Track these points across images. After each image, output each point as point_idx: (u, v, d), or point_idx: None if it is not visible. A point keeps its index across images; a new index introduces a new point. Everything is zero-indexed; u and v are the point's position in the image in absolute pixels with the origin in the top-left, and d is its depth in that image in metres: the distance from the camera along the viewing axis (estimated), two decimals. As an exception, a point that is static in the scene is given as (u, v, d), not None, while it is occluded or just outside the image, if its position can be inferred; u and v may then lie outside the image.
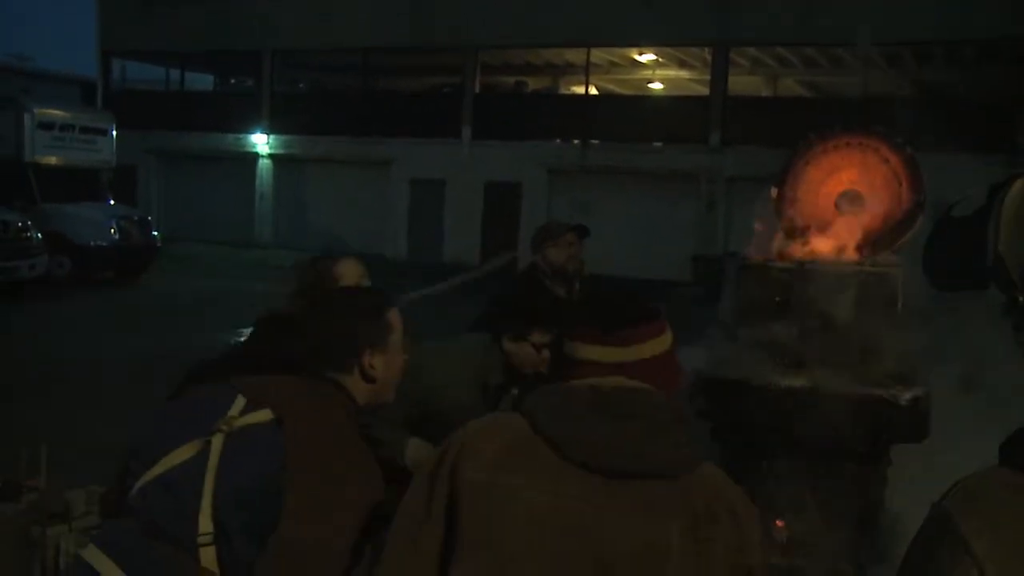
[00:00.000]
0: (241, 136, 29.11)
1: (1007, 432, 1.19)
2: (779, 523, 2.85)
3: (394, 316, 2.21)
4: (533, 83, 29.46)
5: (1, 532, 3.28)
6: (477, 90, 26.94)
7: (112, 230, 18.36)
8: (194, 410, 2.02)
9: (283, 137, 28.78)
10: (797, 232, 3.20)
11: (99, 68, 31.27)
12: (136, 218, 19.87)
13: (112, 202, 20.30)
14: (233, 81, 35.11)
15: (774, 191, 3.30)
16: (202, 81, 34.44)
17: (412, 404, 2.96)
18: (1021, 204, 1.22)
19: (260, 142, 29.12)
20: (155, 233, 20.08)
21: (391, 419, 2.89)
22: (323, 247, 25.04)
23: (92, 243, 17.95)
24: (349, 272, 3.04)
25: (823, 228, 3.19)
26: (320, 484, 1.84)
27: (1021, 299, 1.28)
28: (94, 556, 1.85)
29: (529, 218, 25.43)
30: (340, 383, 2.09)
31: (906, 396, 2.77)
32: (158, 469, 1.89)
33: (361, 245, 21.60)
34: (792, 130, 3.49)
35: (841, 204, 3.21)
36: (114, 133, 21.08)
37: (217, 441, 1.87)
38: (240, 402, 1.96)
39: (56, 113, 19.87)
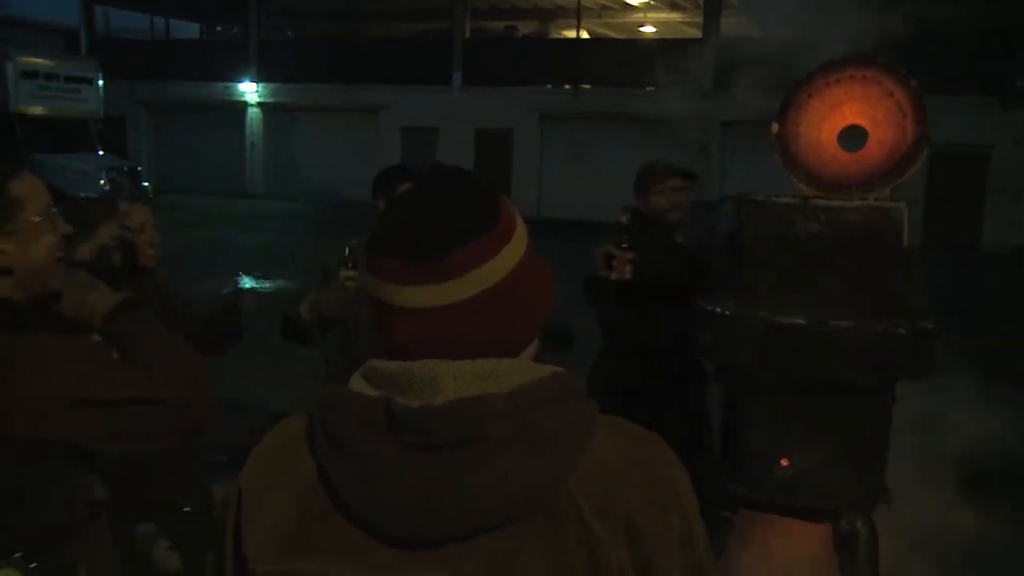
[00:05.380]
0: (229, 85, 28.79)
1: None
2: (784, 462, 2.85)
3: (22, 187, 1.79)
4: (523, 27, 29.10)
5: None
6: (467, 35, 26.61)
7: (102, 181, 18.18)
8: None
9: (272, 85, 28.47)
10: (800, 167, 3.15)
11: (81, 15, 30.74)
12: (127, 169, 19.70)
13: (102, 153, 20.10)
14: (219, 29, 34.61)
15: (775, 127, 3.24)
16: (187, 29, 33.94)
17: None
18: None
19: (249, 91, 28.82)
20: (146, 184, 19.91)
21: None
22: (314, 196, 24.58)
23: (83, 194, 17.79)
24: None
25: (827, 163, 3.14)
26: None
27: None
28: None
29: (521, 165, 25.31)
30: None
31: (909, 329, 2.74)
32: None
33: (353, 194, 21.46)
34: (786, 72, 3.41)
35: (844, 139, 3.16)
36: (100, 82, 20.80)
37: None
38: None
39: (40, 62, 19.58)
